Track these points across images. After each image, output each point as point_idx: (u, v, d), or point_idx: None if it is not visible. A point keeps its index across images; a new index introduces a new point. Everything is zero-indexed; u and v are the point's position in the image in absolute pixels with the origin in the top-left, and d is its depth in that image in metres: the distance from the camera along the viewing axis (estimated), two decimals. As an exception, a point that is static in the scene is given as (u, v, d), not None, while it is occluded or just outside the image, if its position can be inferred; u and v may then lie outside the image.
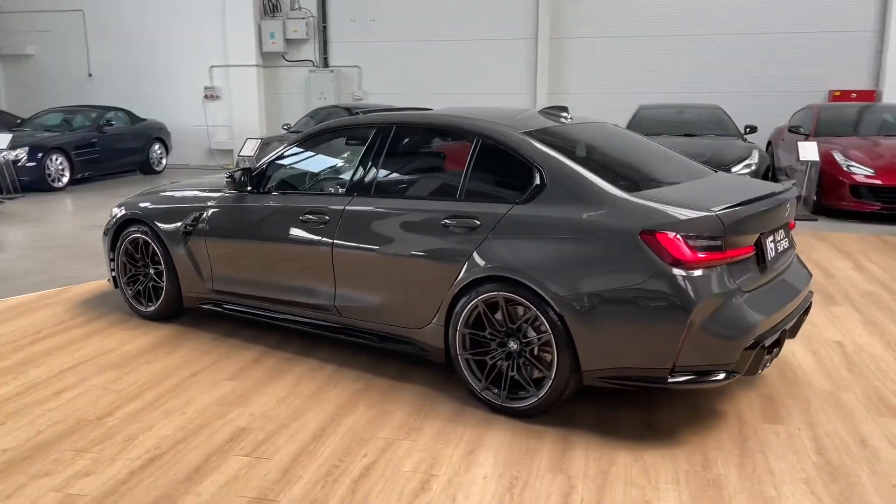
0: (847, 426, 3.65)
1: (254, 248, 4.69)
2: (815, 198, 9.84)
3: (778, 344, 3.63)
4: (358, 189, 4.33)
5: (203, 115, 16.47)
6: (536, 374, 3.67)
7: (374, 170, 4.33)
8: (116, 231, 5.42)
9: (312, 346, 4.75)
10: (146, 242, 5.25)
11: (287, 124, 13.52)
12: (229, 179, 4.81)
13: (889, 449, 3.41)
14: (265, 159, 4.89)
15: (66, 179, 12.74)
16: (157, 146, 15.21)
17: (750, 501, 2.99)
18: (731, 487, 3.10)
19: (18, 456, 3.40)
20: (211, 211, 4.92)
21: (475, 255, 3.75)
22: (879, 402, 3.91)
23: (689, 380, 3.39)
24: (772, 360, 3.67)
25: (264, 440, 3.54)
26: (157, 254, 5.19)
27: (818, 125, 10.82)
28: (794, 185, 4.22)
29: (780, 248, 3.85)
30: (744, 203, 3.52)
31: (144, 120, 15.23)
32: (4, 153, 11.73)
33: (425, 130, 4.46)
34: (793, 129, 10.97)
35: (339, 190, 4.48)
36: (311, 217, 4.39)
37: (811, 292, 4.20)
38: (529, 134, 3.95)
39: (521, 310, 3.66)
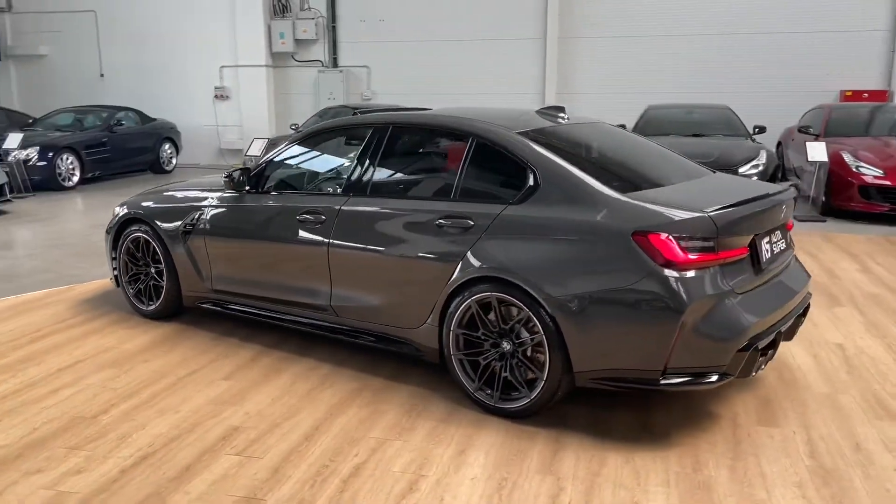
0: (843, 429, 3.61)
1: (252, 248, 4.71)
2: (823, 199, 9.76)
3: (773, 346, 3.59)
4: (354, 189, 4.34)
5: (213, 115, 16.55)
6: (530, 375, 3.66)
7: (370, 170, 4.33)
8: (118, 230, 5.46)
9: (310, 346, 4.76)
10: (147, 241, 5.28)
11: (295, 124, 13.57)
12: (227, 179, 4.84)
13: (884, 453, 3.37)
14: (263, 159, 4.91)
15: (76, 179, 12.84)
16: (167, 146, 15.30)
17: (739, 504, 2.98)
18: (722, 490, 3.08)
19: (12, 453, 3.43)
20: (210, 210, 4.95)
21: (468, 255, 3.74)
22: (877, 406, 3.87)
23: (681, 382, 3.37)
24: (766, 362, 3.64)
25: (256, 439, 3.55)
26: (157, 253, 5.22)
27: (828, 125, 10.74)
28: (791, 186, 4.19)
29: (777, 250, 3.82)
30: (737, 204, 3.50)
31: (155, 120, 15.33)
32: (16, 152, 11.84)
33: (421, 131, 4.45)
34: (802, 130, 10.89)
35: (336, 190, 4.48)
36: (307, 217, 4.40)
37: (809, 294, 4.16)
38: (524, 134, 3.94)
39: (513, 310, 3.65)
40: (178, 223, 5.06)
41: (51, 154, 12.32)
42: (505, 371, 3.70)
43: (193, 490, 3.10)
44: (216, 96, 16.45)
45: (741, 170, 9.24)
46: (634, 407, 3.84)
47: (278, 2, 15.94)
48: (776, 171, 9.70)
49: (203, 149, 16.56)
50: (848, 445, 3.45)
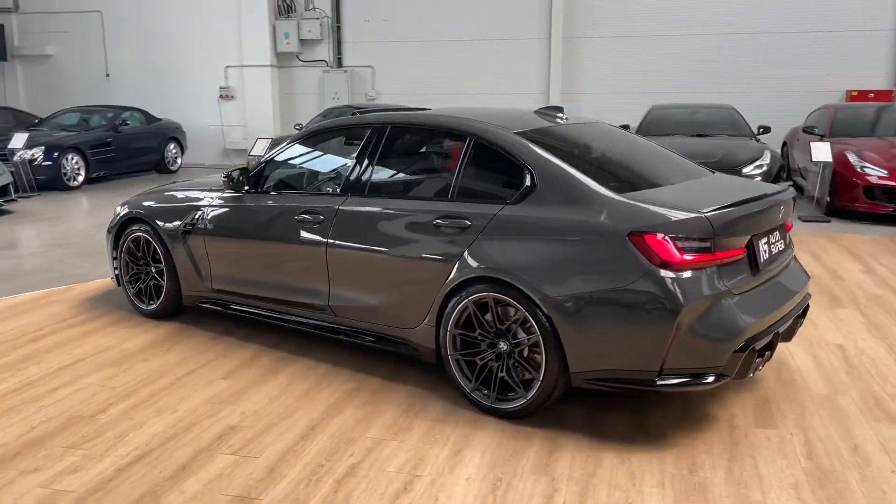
0: (841, 431, 3.60)
1: (251, 248, 4.72)
2: (828, 199, 9.72)
3: (770, 347, 3.58)
4: (352, 189, 4.34)
5: (218, 115, 16.58)
6: (527, 376, 3.66)
7: (368, 170, 4.34)
8: (119, 229, 5.48)
9: (309, 346, 4.77)
10: (148, 241, 5.30)
11: (299, 124, 13.58)
12: (226, 179, 4.85)
13: (881, 454, 3.36)
14: (262, 159, 4.91)
15: (81, 178, 12.89)
16: (172, 146, 15.35)
17: (734, 506, 2.97)
18: (717, 491, 3.07)
19: (9, 452, 3.44)
20: (209, 210, 4.96)
21: (465, 255, 3.74)
22: (876, 407, 3.85)
23: (677, 383, 3.36)
24: (764, 363, 3.62)
25: (252, 439, 3.55)
26: (158, 252, 5.24)
27: (833, 125, 10.70)
28: (790, 186, 4.17)
29: (775, 250, 3.80)
30: (734, 205, 3.49)
31: (160, 120, 15.38)
32: (21, 152, 11.89)
33: (419, 131, 4.45)
34: (807, 130, 10.85)
35: (334, 190, 4.49)
36: (306, 217, 4.41)
37: (809, 295, 4.14)
38: (521, 134, 3.93)
39: (510, 311, 3.65)
40: (178, 223, 5.08)
41: (56, 154, 12.37)
42: (501, 371, 3.70)
43: (188, 489, 3.10)
44: (221, 96, 16.48)
45: (745, 170, 9.22)
46: (631, 407, 3.83)
47: (283, 2, 15.97)
48: (780, 172, 9.66)
49: (208, 149, 16.60)
50: (845, 447, 3.44)
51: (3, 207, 10.48)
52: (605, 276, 3.38)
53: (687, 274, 3.29)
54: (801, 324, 4.06)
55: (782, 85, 13.83)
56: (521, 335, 3.63)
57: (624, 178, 3.95)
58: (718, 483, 3.13)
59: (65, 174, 12.53)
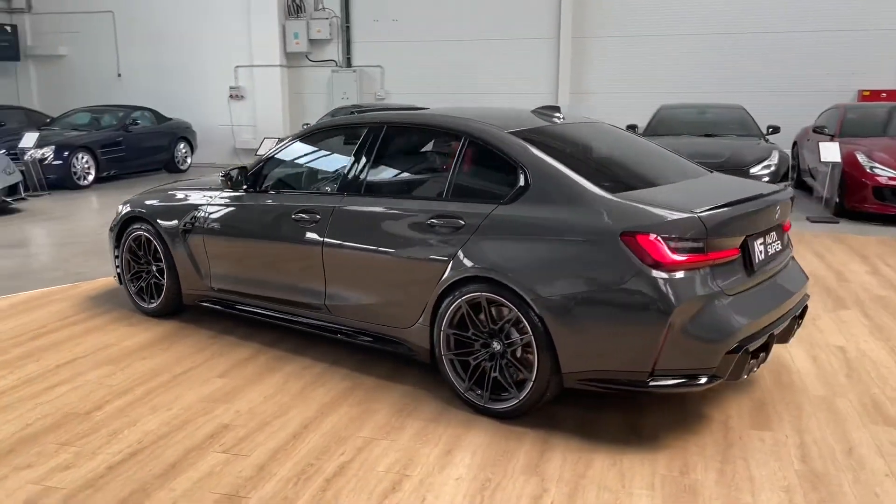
0: (836, 434, 3.56)
1: (249, 247, 4.73)
2: (837, 200, 9.64)
3: (765, 348, 3.55)
4: (348, 188, 4.34)
5: (228, 115, 16.65)
6: (520, 376, 3.64)
7: (365, 169, 4.34)
8: (121, 228, 5.51)
9: (306, 345, 4.78)
10: (148, 240, 5.32)
11: (307, 124, 13.60)
12: (224, 178, 4.86)
13: (876, 458, 3.32)
14: (260, 158, 4.93)
15: (91, 178, 12.99)
16: (182, 145, 15.43)
17: (724, 508, 2.94)
18: (707, 493, 3.05)
19: (4, 448, 3.47)
20: (209, 209, 4.97)
21: (459, 255, 3.73)
22: (874, 410, 3.81)
23: (669, 384, 3.34)
24: (759, 364, 3.59)
25: (244, 437, 3.56)
26: (158, 251, 5.26)
27: (843, 125, 10.60)
28: (787, 186, 4.13)
29: (772, 251, 3.77)
30: (728, 204, 3.46)
31: (170, 119, 15.47)
32: (31, 152, 11.99)
33: (415, 130, 4.44)
34: (817, 130, 10.76)
35: (331, 189, 4.49)
36: (303, 216, 4.41)
37: (807, 296, 4.10)
38: (516, 134, 3.92)
39: (504, 310, 3.63)
40: (179, 222, 5.10)
41: (66, 153, 12.47)
42: (494, 371, 3.69)
43: (178, 487, 3.11)
44: (231, 96, 16.55)
45: (752, 170, 9.16)
46: (625, 409, 3.81)
47: (293, 2, 16.02)
48: (788, 172, 9.59)
49: (218, 148, 16.67)
50: (840, 450, 3.40)
51: (13, 206, 10.58)
52: (597, 277, 3.36)
53: (679, 274, 3.27)
54: (799, 325, 4.02)
55: (793, 84, 13.72)
56: (515, 335, 3.61)
57: (619, 177, 3.93)
58: (709, 485, 3.11)
59: (75, 173, 12.63)
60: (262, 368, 4.44)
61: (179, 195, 5.28)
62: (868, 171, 9.23)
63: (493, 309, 3.67)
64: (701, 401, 3.91)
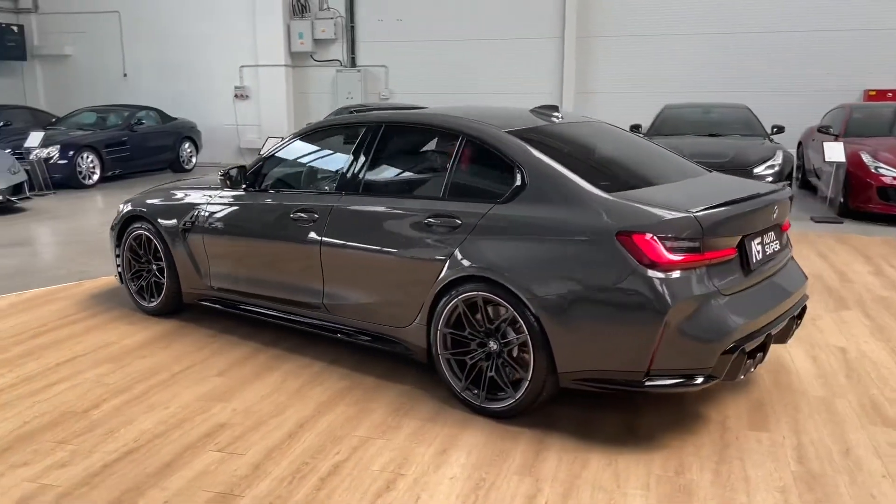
0: (834, 435, 3.54)
1: (248, 246, 4.74)
2: (841, 200, 9.59)
3: (762, 349, 3.53)
4: (346, 187, 4.34)
5: (233, 115, 16.68)
6: (516, 376, 3.63)
7: (363, 168, 4.34)
8: (122, 227, 5.52)
9: (305, 344, 4.78)
10: (149, 239, 5.34)
11: (310, 123, 13.62)
12: (223, 177, 4.87)
13: (873, 459, 3.30)
14: (259, 157, 4.94)
15: (96, 177, 13.02)
16: (187, 145, 15.47)
17: (718, 509, 2.93)
18: (702, 494, 3.03)
19: (1, 446, 3.48)
20: (208, 209, 4.98)
21: (456, 254, 3.73)
22: (873, 411, 3.79)
23: (665, 384, 3.32)
24: (756, 364, 3.57)
25: (240, 436, 3.56)
26: (159, 250, 5.27)
27: (848, 125, 10.55)
28: (786, 185, 4.11)
29: (769, 251, 3.75)
30: (724, 204, 3.44)
31: (175, 119, 15.50)
32: (37, 151, 12.03)
33: (412, 129, 4.44)
34: (822, 130, 10.70)
35: (329, 188, 4.49)
36: (301, 215, 4.42)
37: (806, 296, 4.08)
38: (513, 133, 3.91)
39: (501, 310, 3.63)
40: (178, 221, 5.11)
41: (71, 152, 12.51)
42: (491, 371, 3.68)
43: (171, 486, 3.12)
44: (236, 96, 16.57)
45: (756, 170, 9.12)
46: (623, 409, 3.80)
47: (297, 2, 16.03)
48: (792, 172, 9.55)
49: (223, 148, 16.70)
50: (837, 451, 3.38)
51: (18, 205, 10.62)
52: (592, 276, 3.35)
53: (675, 274, 3.26)
54: (797, 325, 4.00)
55: (799, 84, 13.66)
56: (511, 335, 3.61)
57: (616, 177, 3.91)
58: (704, 486, 3.09)
59: (80, 173, 12.67)
60: (261, 367, 4.44)
61: (179, 194, 5.29)
62: (873, 171, 9.18)
63: (489, 308, 3.66)
64: (699, 401, 3.89)
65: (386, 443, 3.48)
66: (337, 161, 4.74)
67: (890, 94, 13.04)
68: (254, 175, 4.84)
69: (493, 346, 3.66)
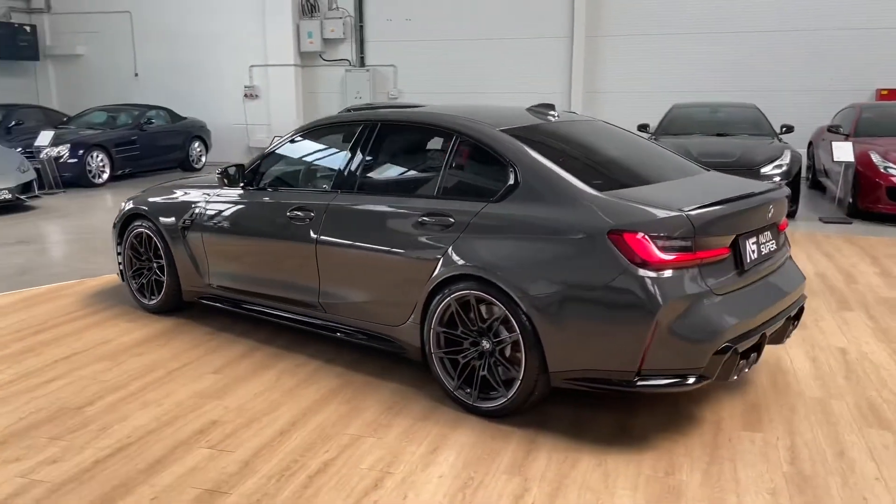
0: (829, 436, 3.50)
1: (245, 244, 4.75)
2: (850, 200, 9.50)
3: (757, 349, 3.50)
4: (342, 186, 4.35)
5: (243, 114, 16.74)
6: (509, 375, 3.62)
7: (359, 167, 4.34)
8: (123, 225, 5.56)
9: (302, 342, 4.79)
10: (149, 237, 5.36)
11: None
12: (221, 176, 4.88)
13: (867, 461, 3.26)
14: (257, 156, 4.95)
15: (106, 176, 13.12)
16: (196, 144, 15.55)
17: (707, 510, 2.91)
18: (691, 495, 3.01)
19: (-5, 442, 3.51)
20: (207, 207, 5.00)
21: (449, 252, 3.72)
22: (869, 413, 3.75)
23: (657, 384, 3.30)
24: (750, 365, 3.53)
25: (231, 433, 3.57)
26: (159, 248, 5.30)
27: (858, 125, 10.46)
28: (783, 184, 4.07)
29: (765, 251, 3.72)
30: (717, 203, 3.41)
31: (185, 118, 15.59)
32: (47, 150, 12.13)
33: (408, 128, 4.43)
34: (832, 129, 10.61)
35: (325, 186, 4.50)
36: (297, 213, 4.42)
37: (804, 296, 4.04)
38: (508, 132, 3.90)
39: (494, 309, 3.61)
40: (178, 219, 5.13)
41: (81, 151, 12.61)
42: (483, 370, 3.67)
43: (160, 482, 3.13)
44: (246, 95, 16.64)
45: (763, 170, 9.05)
46: (617, 408, 3.78)
47: (307, 2, 16.08)
48: (800, 172, 9.47)
49: (233, 147, 16.76)
50: (831, 452, 3.35)
51: (27, 203, 10.71)
52: (584, 275, 3.33)
53: (667, 273, 3.23)
54: (795, 326, 3.97)
55: (810, 84, 13.56)
56: (504, 333, 3.59)
57: (610, 175, 3.89)
58: (693, 486, 3.07)
59: (90, 171, 12.76)
60: (257, 365, 4.45)
61: (179, 193, 5.31)
62: (882, 171, 9.09)
63: (482, 307, 3.65)
64: (694, 401, 3.86)
65: (376, 441, 3.48)
66: (332, 159, 4.74)
67: (902, 93, 12.92)
68: (251, 173, 4.85)
69: (485, 345, 3.65)
